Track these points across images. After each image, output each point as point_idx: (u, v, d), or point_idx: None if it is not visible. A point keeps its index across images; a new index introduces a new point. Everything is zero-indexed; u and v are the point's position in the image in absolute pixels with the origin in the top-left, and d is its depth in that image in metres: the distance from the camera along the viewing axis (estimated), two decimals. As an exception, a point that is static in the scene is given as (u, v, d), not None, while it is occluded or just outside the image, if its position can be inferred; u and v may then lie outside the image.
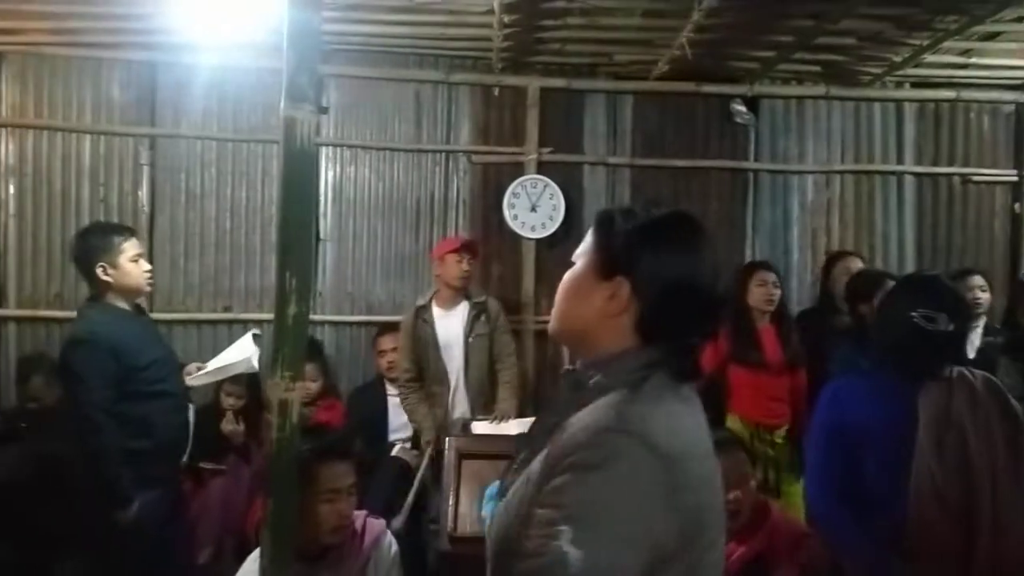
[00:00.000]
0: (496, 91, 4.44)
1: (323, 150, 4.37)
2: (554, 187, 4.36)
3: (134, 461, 2.74)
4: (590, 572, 0.97)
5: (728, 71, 4.48)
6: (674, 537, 1.02)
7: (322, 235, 4.39)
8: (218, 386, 3.84)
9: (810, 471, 2.15)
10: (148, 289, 2.95)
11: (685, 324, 1.16)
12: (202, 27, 3.72)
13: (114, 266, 2.78)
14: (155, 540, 2.92)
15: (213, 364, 3.26)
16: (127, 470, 2.73)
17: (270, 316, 4.11)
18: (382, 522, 2.14)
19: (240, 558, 3.67)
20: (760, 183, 4.68)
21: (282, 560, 1.76)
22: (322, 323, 4.39)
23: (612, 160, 4.56)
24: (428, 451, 3.57)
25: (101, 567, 2.87)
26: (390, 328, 4.05)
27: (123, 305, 2.86)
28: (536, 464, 1.12)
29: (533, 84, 4.42)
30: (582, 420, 1.09)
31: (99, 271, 2.78)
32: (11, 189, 4.17)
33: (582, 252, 1.23)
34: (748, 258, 4.48)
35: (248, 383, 3.95)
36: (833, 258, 4.16)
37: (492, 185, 4.46)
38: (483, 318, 3.76)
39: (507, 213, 4.34)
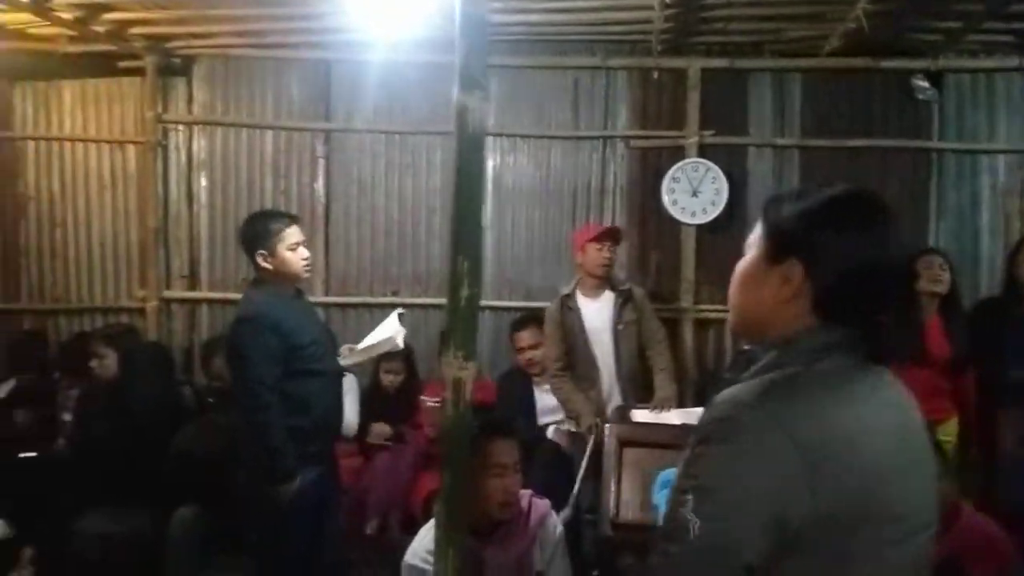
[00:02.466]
0: (655, 74, 4.37)
1: (484, 139, 4.45)
2: (716, 171, 4.24)
3: (294, 438, 2.81)
4: (706, 539, 0.99)
5: (908, 44, 4.17)
6: (811, 522, 0.98)
7: (482, 222, 4.50)
8: (377, 364, 4.03)
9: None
10: (306, 276, 2.97)
11: (867, 303, 1.09)
12: (373, 25, 3.90)
13: (272, 253, 2.83)
14: (315, 516, 3.06)
15: (363, 344, 3.35)
16: (290, 446, 2.81)
17: (434, 300, 4.36)
18: (547, 502, 2.17)
19: (405, 530, 3.89)
20: (945, 164, 4.33)
21: (456, 533, 1.81)
22: (482, 308, 4.48)
23: (779, 142, 4.38)
24: (593, 436, 3.56)
25: (272, 538, 3.08)
26: (528, 322, 4.01)
27: (284, 289, 2.93)
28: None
29: (694, 65, 4.31)
30: (727, 394, 1.06)
31: (259, 258, 2.84)
32: (203, 182, 4.55)
33: (752, 241, 1.19)
34: (931, 244, 4.16)
35: (406, 361, 4.12)
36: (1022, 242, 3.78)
37: (651, 170, 4.40)
38: (630, 306, 3.70)
39: (666, 199, 4.26)
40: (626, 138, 4.41)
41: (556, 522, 2.14)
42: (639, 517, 2.95)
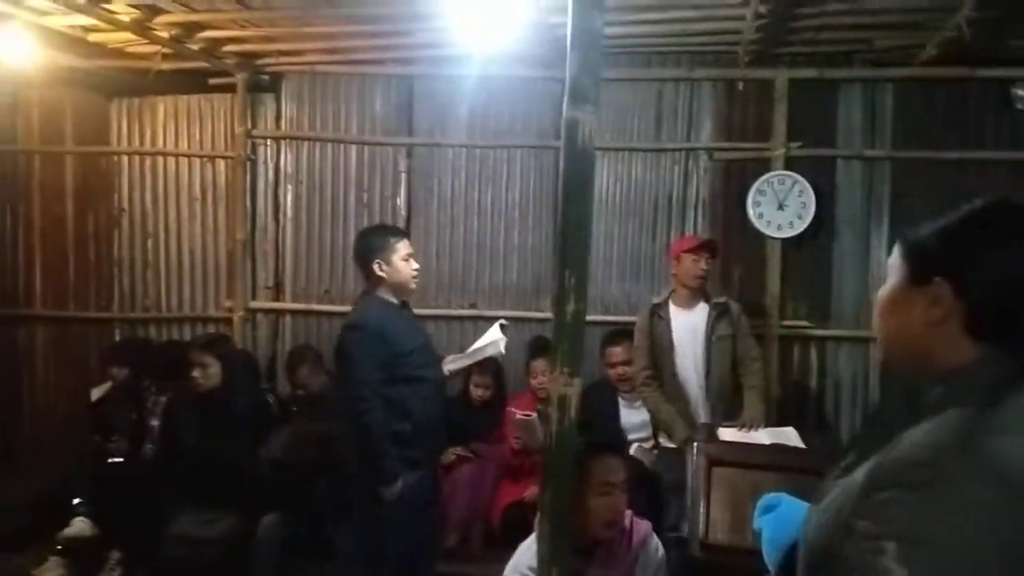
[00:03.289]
0: (740, 85, 4.29)
1: (562, 152, 4.45)
2: (804, 183, 4.14)
3: (396, 442, 2.95)
4: None
5: (1008, 52, 4.00)
6: None
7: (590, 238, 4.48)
8: (467, 378, 4.04)
9: None
10: (414, 286, 3.15)
11: None
12: (456, 41, 3.94)
13: (388, 263, 3.02)
14: (415, 521, 3.12)
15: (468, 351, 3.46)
16: (393, 448, 2.94)
17: (512, 312, 4.34)
18: (648, 523, 2.13)
19: (487, 544, 3.88)
20: (1049, 176, 4.14)
21: (560, 550, 1.79)
22: (560, 322, 4.47)
23: (869, 153, 4.25)
24: (692, 450, 3.47)
25: (372, 541, 3.12)
26: (621, 337, 3.97)
27: (391, 299, 3.10)
28: (860, 474, 1.05)
29: (781, 76, 4.22)
30: (917, 436, 1.00)
31: (375, 266, 3.03)
32: (289, 195, 4.66)
33: (892, 267, 1.14)
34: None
35: (495, 375, 4.12)
36: None
37: (734, 183, 4.32)
38: (725, 320, 3.62)
39: (751, 211, 4.18)
40: (709, 150, 4.35)
41: (658, 544, 2.11)
42: (729, 539, 2.88)
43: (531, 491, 3.86)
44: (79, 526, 3.89)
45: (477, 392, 4.10)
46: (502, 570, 3.63)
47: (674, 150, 4.38)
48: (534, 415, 3.88)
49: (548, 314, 4.49)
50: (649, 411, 3.70)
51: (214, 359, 3.69)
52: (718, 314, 3.61)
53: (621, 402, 3.96)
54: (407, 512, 3.03)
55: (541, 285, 4.52)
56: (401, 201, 4.58)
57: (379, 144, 4.57)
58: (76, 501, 3.96)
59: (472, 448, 4.01)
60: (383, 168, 4.59)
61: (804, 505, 2.08)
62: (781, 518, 1.97)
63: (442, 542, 3.83)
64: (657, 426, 3.69)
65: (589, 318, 4.38)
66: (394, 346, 2.97)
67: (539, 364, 4.01)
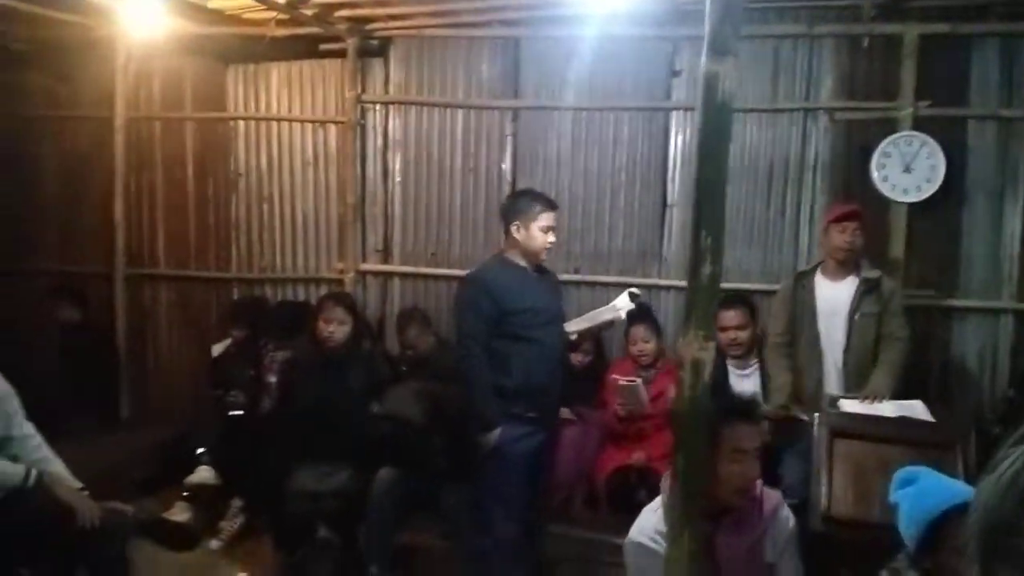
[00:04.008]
0: (865, 41, 4.06)
1: (673, 114, 4.35)
2: (933, 145, 3.90)
3: (497, 395, 3.10)
4: None
5: None
6: None
7: (669, 200, 4.40)
8: (574, 347, 4.02)
9: None
10: (544, 257, 3.27)
11: None
12: (562, 1, 3.87)
13: (526, 228, 3.16)
14: (522, 477, 3.18)
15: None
16: (492, 399, 3.08)
17: (615, 279, 4.29)
18: (779, 493, 2.08)
19: (589, 505, 3.89)
20: None
21: (692, 517, 1.77)
22: (667, 288, 4.41)
23: (1005, 113, 3.97)
24: (813, 420, 3.39)
25: (480, 497, 3.19)
26: (736, 302, 3.86)
27: (519, 261, 3.20)
28: None
29: (910, 31, 3.97)
30: None
31: (513, 227, 3.18)
32: (398, 160, 4.71)
33: None
34: None
35: (595, 341, 4.10)
36: None
37: (856, 144, 4.11)
38: (873, 296, 3.49)
39: (875, 174, 3.97)
40: (830, 110, 4.14)
41: (789, 515, 2.06)
42: (853, 512, 2.80)
43: (637, 456, 3.85)
44: (203, 474, 4.11)
45: (577, 358, 4.07)
46: (605, 532, 3.69)
47: (792, 110, 4.20)
48: (638, 381, 3.86)
49: (653, 280, 4.44)
50: (766, 373, 3.62)
51: (347, 315, 3.79)
52: (866, 290, 3.48)
53: (731, 369, 3.88)
54: (512, 465, 3.14)
55: (647, 251, 4.45)
56: (507, 165, 4.57)
57: (485, 108, 4.56)
58: (200, 451, 4.18)
59: (576, 411, 4.01)
60: (489, 132, 4.57)
61: (944, 479, 2.00)
62: (921, 492, 1.90)
63: (547, 503, 3.88)
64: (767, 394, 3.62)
65: (697, 284, 4.35)
66: (502, 303, 3.10)
67: (638, 331, 3.97)
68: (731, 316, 3.83)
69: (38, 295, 4.89)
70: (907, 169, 3.93)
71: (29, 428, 2.94)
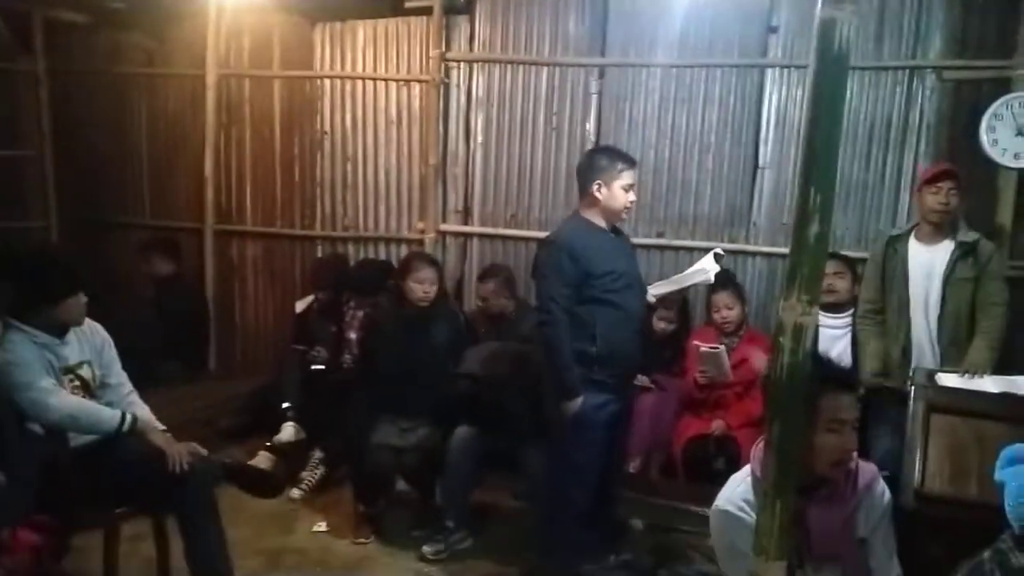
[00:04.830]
0: (980, -4, 3.80)
1: (768, 72, 4.19)
2: (1051, 107, 3.63)
3: (579, 362, 3.01)
4: None
5: None
6: None
7: (761, 162, 4.25)
8: (651, 311, 3.94)
9: None
10: (625, 216, 3.20)
11: None
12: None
13: (608, 186, 3.05)
14: (600, 442, 3.14)
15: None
16: (574, 365, 2.99)
17: (700, 243, 4.18)
18: (874, 467, 1.99)
19: (665, 473, 3.85)
20: None
21: (786, 487, 1.71)
22: (755, 254, 4.28)
23: None
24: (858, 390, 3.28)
25: (558, 459, 3.18)
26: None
27: (599, 222, 3.10)
28: None
29: (1032, -17, 3.70)
30: None
31: (594, 186, 3.06)
32: (480, 119, 4.66)
33: None
34: None
35: (680, 308, 4.01)
36: None
37: (965, 105, 3.88)
38: (970, 260, 3.31)
39: (984, 137, 3.70)
40: (938, 69, 3.91)
41: (884, 489, 1.97)
42: (949, 490, 2.68)
43: (716, 424, 3.79)
44: (289, 431, 4.21)
45: (660, 325, 4.01)
46: (682, 499, 3.65)
47: (896, 68, 3.98)
48: (721, 347, 3.79)
49: (740, 246, 4.31)
50: (857, 343, 3.50)
51: (436, 275, 3.81)
52: (962, 253, 3.31)
53: (824, 329, 3.75)
54: (592, 432, 3.09)
55: (735, 215, 4.32)
56: (591, 125, 4.47)
57: (571, 65, 4.46)
58: (285, 405, 4.29)
59: (654, 379, 3.95)
60: (573, 90, 4.48)
61: (1055, 458, 1.87)
62: (1030, 471, 1.79)
63: (624, 468, 3.86)
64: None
65: (785, 251, 4.20)
66: (586, 266, 3.00)
67: (721, 298, 3.90)
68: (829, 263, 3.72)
69: (134, 248, 5.08)
70: (1020, 132, 3.66)
71: (123, 376, 3.06)
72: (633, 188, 3.10)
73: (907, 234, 3.40)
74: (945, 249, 3.31)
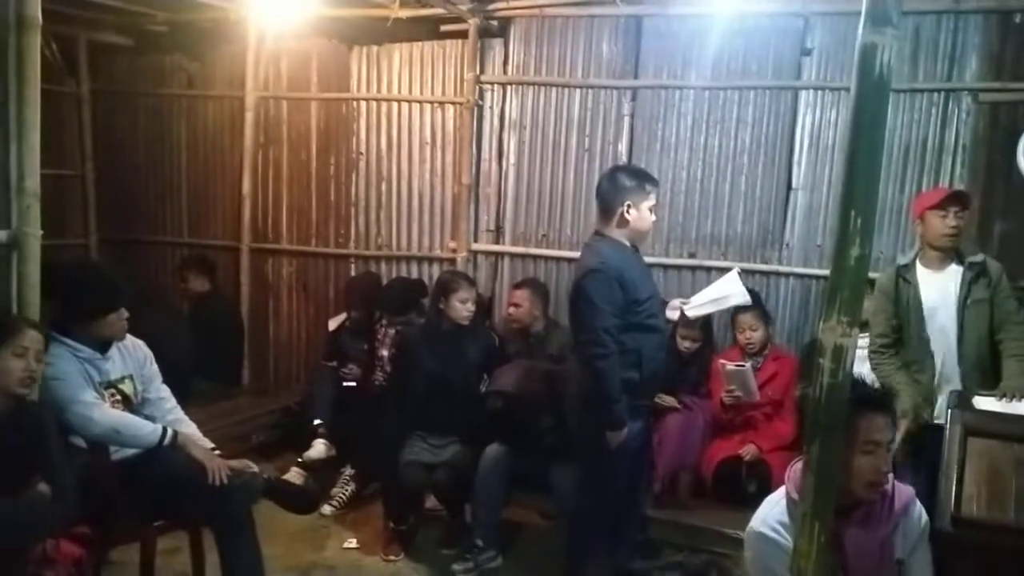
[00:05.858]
0: (1018, 18, 3.77)
1: (801, 94, 4.18)
2: (1093, 129, 3.60)
3: (626, 390, 2.95)
4: None
5: None
6: None
7: (794, 184, 4.24)
8: (673, 330, 3.94)
9: None
10: (648, 238, 3.24)
11: None
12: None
13: (636, 208, 3.01)
14: (631, 465, 3.14)
15: (701, 298, 3.56)
16: (624, 396, 2.94)
17: (732, 264, 4.16)
18: (911, 489, 1.98)
19: (694, 494, 3.82)
20: None
21: (823, 508, 1.70)
22: (787, 274, 4.27)
23: None
24: (905, 423, 3.24)
25: (589, 481, 3.17)
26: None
27: (627, 243, 3.08)
28: None
29: (1070, 5, 3.68)
30: None
31: (624, 208, 3.00)
32: (513, 141, 4.71)
33: None
34: None
35: (704, 328, 4.00)
36: None
37: (1003, 128, 3.83)
38: (982, 282, 3.24)
39: (1021, 159, 3.68)
40: (975, 91, 3.88)
41: (922, 512, 1.96)
42: (987, 515, 2.63)
43: (747, 449, 3.76)
44: (319, 448, 4.26)
45: (684, 344, 3.99)
46: (711, 520, 3.62)
47: (932, 91, 3.95)
48: (747, 365, 3.78)
49: (773, 267, 4.29)
50: (879, 380, 3.41)
51: (474, 294, 3.86)
52: (975, 275, 3.24)
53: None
54: (625, 457, 3.06)
55: (768, 237, 4.30)
56: (623, 146, 4.49)
57: (604, 87, 4.49)
58: (316, 422, 4.34)
59: (681, 399, 3.94)
60: (606, 112, 4.51)
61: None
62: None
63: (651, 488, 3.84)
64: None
65: (818, 272, 4.20)
66: (631, 292, 2.95)
67: (746, 319, 3.89)
68: None
69: (171, 266, 5.18)
70: (1058, 154, 3.63)
71: (164, 391, 3.12)
72: (655, 209, 3.09)
73: (913, 262, 3.31)
74: (955, 273, 3.24)
